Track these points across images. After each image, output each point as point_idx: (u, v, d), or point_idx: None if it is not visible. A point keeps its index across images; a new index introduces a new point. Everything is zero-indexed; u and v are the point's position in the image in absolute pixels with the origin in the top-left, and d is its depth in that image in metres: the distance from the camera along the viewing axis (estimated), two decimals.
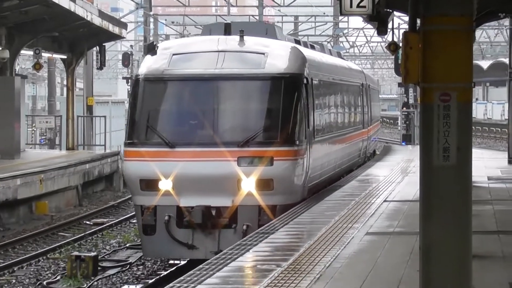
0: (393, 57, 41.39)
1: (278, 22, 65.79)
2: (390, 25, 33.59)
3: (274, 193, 25.39)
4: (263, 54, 26.51)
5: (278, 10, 75.65)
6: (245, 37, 27.19)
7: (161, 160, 25.31)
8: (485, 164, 40.33)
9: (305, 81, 27.35)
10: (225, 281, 16.12)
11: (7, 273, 29.18)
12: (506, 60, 53.77)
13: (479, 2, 10.28)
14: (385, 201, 28.36)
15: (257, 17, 65.62)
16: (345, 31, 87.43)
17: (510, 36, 47.86)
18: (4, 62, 45.24)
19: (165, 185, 25.16)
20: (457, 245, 9.84)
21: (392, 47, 39.43)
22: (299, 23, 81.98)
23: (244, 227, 24.69)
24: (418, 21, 9.98)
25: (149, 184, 25.30)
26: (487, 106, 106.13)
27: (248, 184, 25.01)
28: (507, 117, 48.49)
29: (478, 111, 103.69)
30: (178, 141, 25.50)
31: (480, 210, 24.32)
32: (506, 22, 46.85)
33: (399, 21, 47.10)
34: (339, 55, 46.86)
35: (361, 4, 22.15)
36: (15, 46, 45.38)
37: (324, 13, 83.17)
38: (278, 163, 25.24)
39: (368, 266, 17.87)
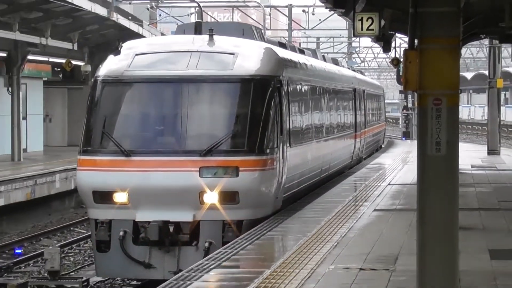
0: (395, 70, 40.95)
1: (303, 42, 65.36)
2: (393, 44, 33.40)
3: (240, 207, 19.10)
4: (233, 54, 20.16)
5: (304, 32, 75.34)
6: (215, 37, 20.80)
7: (116, 170, 19.23)
8: (469, 155, 40.13)
9: (279, 84, 20.90)
10: None
11: None
12: (486, 72, 53.43)
13: (464, 26, 10.22)
14: (389, 184, 28.32)
15: (286, 38, 63.37)
16: (357, 49, 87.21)
17: (489, 53, 47.58)
18: (87, 75, 46.88)
19: (120, 197, 19.15)
20: (447, 219, 9.80)
21: (395, 61, 39.31)
22: (320, 43, 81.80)
23: (206, 244, 18.59)
24: (416, 41, 9.95)
25: (103, 196, 19.26)
26: (470, 109, 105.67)
27: (211, 197, 18.91)
28: (486, 118, 48.26)
29: (463, 113, 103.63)
30: (134, 149, 19.28)
31: (465, 191, 24.27)
32: (486, 41, 46.44)
33: (400, 41, 46.62)
34: (334, 62, 39.81)
35: (370, 28, 22.08)
36: (95, 62, 45.55)
37: (340, 35, 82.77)
38: (244, 174, 18.99)
39: (375, 235, 17.85)
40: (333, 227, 18.79)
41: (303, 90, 24.97)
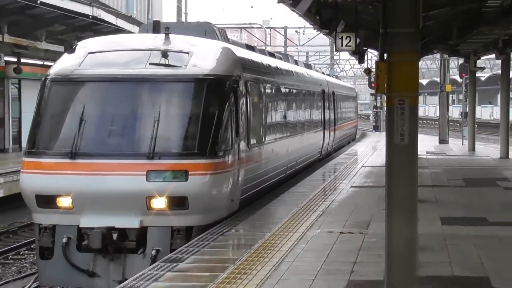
0: (367, 77, 40.71)
1: (296, 56, 65.29)
2: (366, 57, 33.31)
3: (189, 213, 14.79)
4: (188, 53, 15.87)
5: (296, 48, 75.27)
6: (172, 36, 16.50)
7: (60, 173, 14.97)
8: (424, 144, 40.06)
9: (235, 84, 16.48)
10: None
11: None
12: (438, 79, 53.39)
13: (422, 43, 10.19)
14: (362, 166, 28.25)
15: (284, 53, 63.31)
16: (337, 61, 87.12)
17: (440, 64, 47.60)
18: None
19: (64, 202, 14.96)
20: (408, 193, 9.77)
21: (367, 71, 38.94)
22: (309, 56, 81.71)
23: (154, 252, 14.43)
24: (385, 55, 9.92)
25: (47, 201, 15.05)
26: (425, 108, 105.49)
27: (159, 202, 14.67)
28: (438, 115, 48.34)
29: (420, 111, 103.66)
30: (80, 152, 14.93)
31: (421, 172, 24.24)
32: (438, 55, 46.46)
33: (371, 55, 46.50)
34: (307, 66, 34.80)
35: (348, 44, 22.06)
36: None
37: (324, 50, 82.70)
38: (194, 178, 14.71)
39: (352, 206, 17.82)
40: (319, 200, 18.78)
41: (265, 91, 20.37)
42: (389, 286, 9.72)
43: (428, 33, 24.17)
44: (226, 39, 19.43)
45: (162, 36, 16.48)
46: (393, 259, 9.73)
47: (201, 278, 10.99)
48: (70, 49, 16.28)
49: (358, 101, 67.73)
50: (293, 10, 19.78)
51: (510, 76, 34.40)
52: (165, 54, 15.81)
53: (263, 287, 10.40)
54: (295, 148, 24.33)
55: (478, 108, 56.70)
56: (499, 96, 44.95)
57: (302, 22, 31.21)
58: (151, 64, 15.55)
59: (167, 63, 15.63)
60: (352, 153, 36.17)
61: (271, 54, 25.50)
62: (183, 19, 50.59)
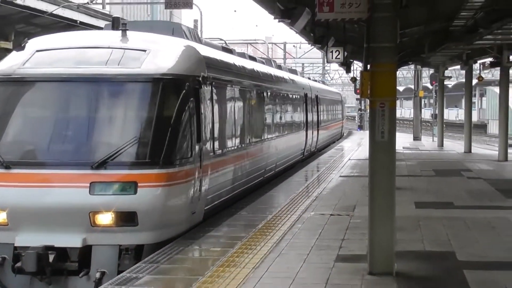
0: (353, 84, 40.71)
1: (293, 66, 65.25)
2: (352, 68, 33.27)
3: (139, 229, 11.15)
4: (144, 51, 12.05)
5: (294, 60, 75.23)
6: (130, 33, 12.65)
7: None
8: (401, 140, 40.03)
9: (198, 85, 12.57)
10: None
11: None
12: (412, 86, 53.35)
13: (399, 56, 10.19)
14: (349, 159, 28.19)
15: (282, 65, 63.03)
16: (328, 71, 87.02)
17: (414, 74, 47.54)
18: None
19: None
20: (387, 182, 9.76)
21: (353, 79, 39.14)
22: (305, 67, 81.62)
23: (98, 274, 10.72)
24: (368, 66, 9.91)
25: None
26: (401, 110, 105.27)
27: (104, 218, 11.03)
28: (412, 116, 48.35)
29: (397, 113, 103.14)
30: (15, 160, 11.23)
31: (398, 164, 24.24)
32: (412, 66, 46.45)
33: (357, 66, 46.43)
34: (292, 71, 30.94)
35: (337, 57, 22.02)
36: None
37: (317, 62, 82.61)
38: (144, 190, 11.09)
39: (341, 193, 17.78)
40: (313, 188, 18.77)
41: (239, 93, 16.43)
42: (371, 259, 9.73)
43: (404, 48, 24.15)
44: (197, 40, 15.40)
45: (119, 33, 12.58)
46: (375, 237, 9.73)
47: (214, 252, 10.98)
48: (19, 47, 12.63)
49: (346, 105, 67.65)
50: (291, 28, 19.75)
51: (472, 84, 34.42)
52: (119, 52, 11.99)
53: (266, 260, 10.40)
54: (274, 151, 20.55)
55: (446, 111, 56.59)
56: (463, 101, 44.94)
57: (298, 38, 31.31)
58: (101, 62, 11.78)
59: (120, 61, 11.80)
60: (340, 148, 36.13)
61: (252, 58, 21.45)
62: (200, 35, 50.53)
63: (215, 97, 13.90)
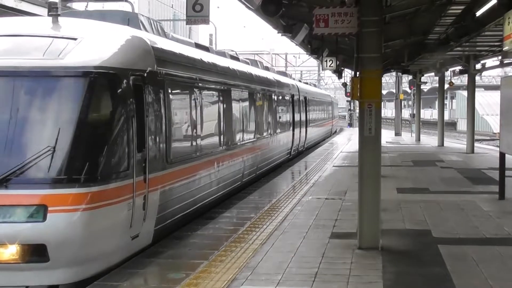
0: (344, 88, 40.60)
1: (293, 73, 65.03)
2: (343, 74, 33.21)
3: (52, 266, 7.11)
4: (75, 39, 7.98)
5: (294, 67, 75.11)
6: (63, 19, 8.82)
7: None
8: (385, 136, 39.95)
9: (143, 81, 8.76)
10: None
11: None
12: (394, 90, 53.28)
13: (383, 64, 10.15)
14: (341, 152, 28.12)
15: (270, 67, 62.12)
16: (323, 77, 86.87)
17: (396, 79, 47.42)
18: None
19: None
20: (374, 171, 9.73)
21: (344, 84, 39.08)
22: (303, 74, 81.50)
23: None
24: (358, 73, 9.87)
25: None
26: (385, 111, 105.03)
27: (7, 253, 6.99)
28: (394, 115, 48.26)
29: (381, 112, 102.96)
30: None
31: (382, 156, 24.20)
32: (394, 73, 46.35)
33: (347, 72, 46.28)
34: (281, 73, 26.90)
35: (331, 65, 22.00)
36: None
37: (314, 69, 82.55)
38: (56, 216, 6.93)
39: (334, 180, 17.74)
40: (310, 176, 18.73)
41: (206, 93, 12.29)
42: (360, 236, 9.70)
43: (387, 57, 24.09)
44: (161, 33, 11.25)
45: (50, 19, 8.81)
46: (363, 217, 9.70)
47: (227, 230, 10.96)
48: None
49: (339, 106, 67.42)
50: (292, 41, 19.72)
51: (444, 88, 34.40)
52: (43, 40, 8.17)
53: (271, 237, 10.37)
54: (254, 154, 16.58)
55: (422, 111, 56.47)
56: (436, 102, 44.84)
57: (298, 49, 31.02)
58: (19, 53, 7.94)
59: (42, 51, 7.97)
60: (333, 143, 36.05)
61: (234, 58, 17.13)
62: (214, 48, 50.40)
63: (171, 96, 10.03)
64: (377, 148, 9.76)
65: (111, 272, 8.09)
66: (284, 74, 28.13)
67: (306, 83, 38.88)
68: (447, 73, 35.07)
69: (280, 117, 21.25)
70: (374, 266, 8.61)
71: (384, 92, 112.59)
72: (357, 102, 10.76)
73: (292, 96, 24.31)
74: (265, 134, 18.28)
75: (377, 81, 9.71)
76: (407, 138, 40.06)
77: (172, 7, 68.47)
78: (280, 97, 21.58)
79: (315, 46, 22.38)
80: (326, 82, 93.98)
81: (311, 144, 30.66)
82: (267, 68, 22.69)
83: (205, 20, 12.39)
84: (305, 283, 7.85)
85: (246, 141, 15.63)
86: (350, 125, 62.53)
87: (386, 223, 11.26)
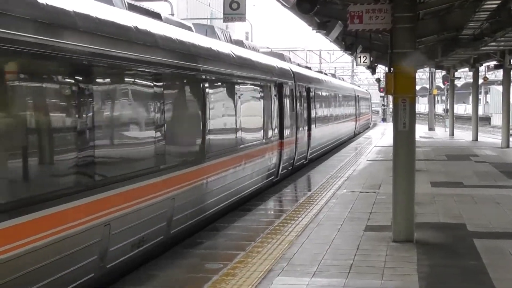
0: (377, 84, 40.24)
1: (327, 70, 64.57)
2: (377, 70, 33.00)
3: None
4: None
5: (328, 64, 74.82)
6: None
7: None
8: (418, 131, 39.70)
9: None
10: None
11: None
12: (427, 86, 52.80)
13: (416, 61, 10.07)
14: (374, 146, 27.98)
15: (317, 68, 61.14)
16: (356, 73, 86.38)
17: (429, 75, 46.98)
18: None
19: None
20: (408, 165, 9.67)
21: (377, 80, 38.83)
22: (337, 70, 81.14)
23: None
24: (391, 68, 9.81)
25: None
26: (418, 106, 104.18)
27: None
28: (427, 110, 47.86)
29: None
30: None
31: (416, 150, 24.11)
32: (427, 69, 45.86)
33: (381, 68, 45.93)
34: (281, 57, 19.56)
35: (364, 61, 21.86)
36: None
37: (347, 66, 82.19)
38: None
39: (368, 173, 17.67)
40: (345, 170, 18.66)
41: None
42: (394, 229, 9.64)
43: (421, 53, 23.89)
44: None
45: None
46: (397, 210, 9.65)
47: (263, 222, 10.98)
48: None
49: (372, 101, 66.94)
50: (326, 38, 19.64)
51: (479, 83, 34.00)
52: None
53: (306, 229, 10.37)
54: (241, 175, 12.09)
55: (455, 106, 55.91)
56: (470, 97, 44.34)
57: (332, 46, 30.69)
58: None
59: None
60: (366, 137, 35.85)
61: (239, 43, 13.81)
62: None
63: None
64: (411, 142, 9.69)
65: (152, 261, 8.43)
66: (281, 57, 19.63)
67: (321, 72, 29.09)
68: (481, 68, 34.65)
69: (258, 120, 13.90)
70: (408, 259, 8.55)
71: (417, 87, 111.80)
72: (390, 97, 10.68)
73: (280, 84, 15.64)
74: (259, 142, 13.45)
75: (411, 77, 9.63)
76: (440, 132, 39.69)
77: (209, 5, 68.69)
78: (260, 87, 13.78)
79: (349, 43, 22.27)
80: (360, 78, 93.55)
81: (318, 154, 22.14)
82: (255, 49, 15.72)
83: (242, 17, 12.42)
84: (340, 275, 7.83)
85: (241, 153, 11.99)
86: (384, 120, 62.15)
87: (420, 217, 11.18)
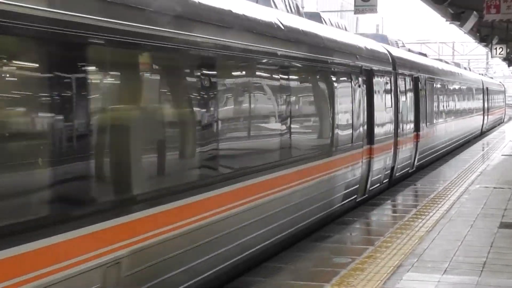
0: None
1: (461, 62, 60.40)
2: None
3: None
4: None
5: (461, 56, 72.39)
6: None
7: None
8: None
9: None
10: None
11: None
12: None
13: None
14: (510, 141, 26.80)
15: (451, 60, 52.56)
16: (491, 65, 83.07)
17: None
18: None
19: None
20: None
21: None
22: (471, 62, 78.34)
23: None
24: None
25: None
26: None
27: None
28: None
29: None
30: None
31: None
32: None
33: None
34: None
35: (500, 53, 20.99)
36: None
37: (479, 58, 79.08)
38: None
39: (503, 169, 17.03)
40: (477, 164, 18.03)
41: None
42: None
43: None
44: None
45: None
46: None
47: (393, 217, 10.79)
48: None
49: (507, 94, 64.20)
50: (460, 29, 19.03)
51: None
52: None
53: (437, 225, 10.09)
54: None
55: None
56: None
57: (465, 37, 29.61)
58: None
59: None
60: (501, 131, 34.43)
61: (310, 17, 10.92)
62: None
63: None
64: None
65: (279, 254, 8.45)
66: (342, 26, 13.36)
67: (423, 55, 21.10)
68: None
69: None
70: None
71: None
72: None
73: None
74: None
75: None
76: None
77: None
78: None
79: (484, 34, 21.48)
80: (495, 70, 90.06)
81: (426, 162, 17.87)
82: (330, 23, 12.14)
83: (373, 9, 12.23)
84: (473, 272, 7.54)
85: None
86: None
87: None
